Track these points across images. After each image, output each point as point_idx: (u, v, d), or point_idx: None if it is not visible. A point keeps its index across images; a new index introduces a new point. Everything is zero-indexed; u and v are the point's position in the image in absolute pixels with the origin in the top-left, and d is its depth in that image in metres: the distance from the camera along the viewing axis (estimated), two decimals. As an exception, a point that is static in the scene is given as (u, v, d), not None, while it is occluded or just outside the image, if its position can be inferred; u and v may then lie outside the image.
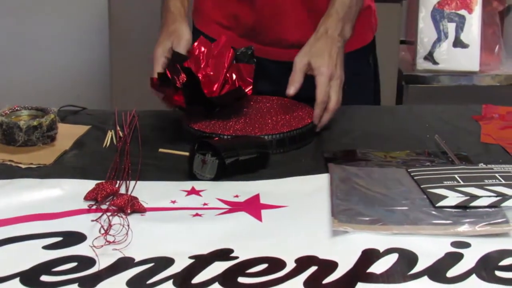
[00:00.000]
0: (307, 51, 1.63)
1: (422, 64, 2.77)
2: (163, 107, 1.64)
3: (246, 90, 1.63)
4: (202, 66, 1.62)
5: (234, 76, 1.64)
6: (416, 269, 1.06)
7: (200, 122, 1.57)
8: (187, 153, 1.39)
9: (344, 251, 1.11)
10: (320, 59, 1.61)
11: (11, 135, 1.48)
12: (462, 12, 2.77)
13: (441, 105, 1.91)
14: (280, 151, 1.51)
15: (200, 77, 1.58)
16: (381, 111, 1.77)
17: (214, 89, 1.61)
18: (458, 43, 2.77)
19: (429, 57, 2.76)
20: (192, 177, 1.37)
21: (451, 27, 2.77)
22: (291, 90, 1.60)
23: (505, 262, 1.09)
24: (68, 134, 1.58)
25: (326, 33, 1.64)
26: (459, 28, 2.77)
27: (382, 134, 1.63)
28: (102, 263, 1.07)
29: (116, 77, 3.01)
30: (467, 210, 1.22)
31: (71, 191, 1.31)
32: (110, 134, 1.59)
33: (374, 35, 1.98)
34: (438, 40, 2.76)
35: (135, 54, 2.87)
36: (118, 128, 1.62)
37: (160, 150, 1.50)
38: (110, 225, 1.15)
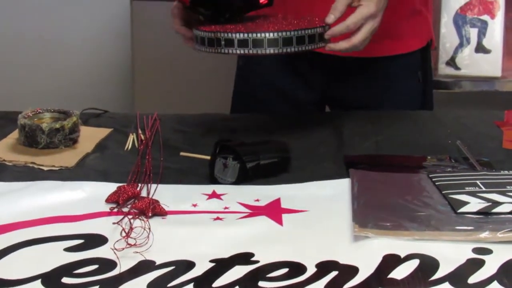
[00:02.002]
0: None
1: (444, 70, 2.76)
2: (186, 110, 1.64)
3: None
4: None
5: None
6: (437, 275, 1.06)
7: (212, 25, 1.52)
8: (208, 157, 1.40)
9: (365, 256, 1.11)
10: None
11: (33, 137, 1.49)
12: (485, 17, 2.76)
13: (463, 110, 1.91)
14: (286, 50, 1.48)
15: None
16: (403, 116, 1.77)
17: None
18: (480, 48, 2.75)
19: (451, 62, 2.75)
20: (213, 180, 1.37)
21: (473, 33, 2.75)
22: (330, 18, 1.50)
23: (527, 269, 1.08)
24: (90, 136, 1.58)
25: None
26: (482, 33, 2.75)
27: (404, 139, 1.63)
28: (123, 265, 1.07)
29: (138, 80, 3.02)
30: (489, 216, 1.21)
31: (93, 193, 1.32)
32: (132, 137, 1.60)
33: (427, 49, 1.92)
34: (460, 45, 2.75)
35: (157, 57, 2.88)
36: (140, 131, 1.62)
37: (182, 153, 1.51)
38: (131, 228, 1.15)
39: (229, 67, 2.07)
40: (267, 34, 1.43)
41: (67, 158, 1.47)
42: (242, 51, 1.45)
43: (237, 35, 1.44)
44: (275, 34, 1.44)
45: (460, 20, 2.76)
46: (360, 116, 1.75)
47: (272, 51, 1.44)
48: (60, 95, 3.46)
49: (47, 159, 1.46)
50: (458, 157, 1.50)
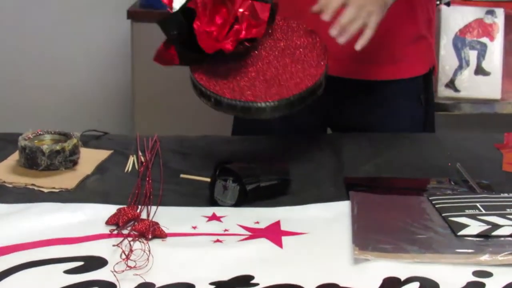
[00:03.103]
0: None
1: (444, 92, 2.76)
2: (186, 132, 1.65)
3: (257, 31, 1.51)
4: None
5: (245, 13, 1.50)
6: (437, 298, 1.06)
7: (204, 74, 1.51)
8: (208, 179, 1.40)
9: (365, 279, 1.10)
10: None
11: (34, 159, 1.49)
12: (484, 39, 2.77)
13: (463, 133, 1.91)
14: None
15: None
16: (403, 138, 1.77)
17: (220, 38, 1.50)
18: (480, 70, 2.76)
19: (451, 84, 2.75)
20: (213, 203, 1.37)
21: (472, 55, 2.76)
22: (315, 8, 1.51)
23: (528, 292, 1.08)
24: (91, 158, 1.58)
25: None
26: (481, 55, 2.76)
27: (404, 161, 1.63)
28: (123, 288, 1.07)
29: (138, 101, 3.03)
30: (489, 239, 1.21)
31: (93, 215, 1.32)
32: (132, 159, 1.60)
33: (429, 73, 1.91)
34: (460, 67, 2.75)
35: (157, 79, 2.88)
36: (140, 153, 1.62)
37: (182, 176, 1.51)
38: (131, 250, 1.15)
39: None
40: (255, 104, 1.44)
41: (67, 180, 1.47)
42: (230, 113, 1.47)
43: (225, 100, 1.45)
44: (263, 104, 1.44)
45: (459, 43, 2.77)
46: (361, 138, 1.75)
47: (260, 117, 1.46)
48: (61, 116, 3.47)
49: (47, 181, 1.46)
50: (458, 179, 1.50)
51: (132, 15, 2.92)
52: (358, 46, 1.51)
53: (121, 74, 3.37)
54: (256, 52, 1.54)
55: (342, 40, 1.49)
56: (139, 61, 2.95)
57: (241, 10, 1.49)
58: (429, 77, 1.90)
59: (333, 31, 1.48)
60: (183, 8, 1.48)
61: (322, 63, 1.51)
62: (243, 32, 1.49)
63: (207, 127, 2.62)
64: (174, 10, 1.50)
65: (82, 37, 3.51)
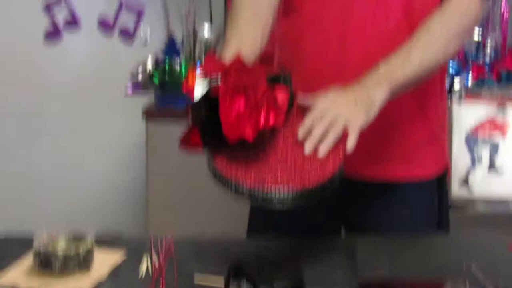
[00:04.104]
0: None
1: (458, 191, 2.76)
2: (199, 229, 1.65)
3: (277, 121, 1.50)
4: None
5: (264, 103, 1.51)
6: None
7: (224, 162, 1.50)
8: (222, 285, 1.39)
9: None
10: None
11: (48, 263, 1.49)
12: (496, 138, 2.78)
13: (478, 232, 1.90)
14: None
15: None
16: (418, 239, 1.76)
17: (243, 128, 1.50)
18: (493, 169, 2.77)
19: (465, 184, 2.76)
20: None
21: (485, 154, 2.77)
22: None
23: None
24: (104, 261, 1.58)
25: (356, 84, 1.59)
26: (494, 154, 2.77)
27: (419, 263, 1.62)
28: None
29: (152, 201, 3.03)
30: None
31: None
32: (145, 262, 1.59)
33: (443, 174, 1.91)
34: (473, 166, 2.76)
35: (171, 179, 2.91)
36: (153, 254, 1.62)
37: (196, 280, 1.50)
38: None
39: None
40: (276, 194, 1.44)
41: (81, 284, 1.47)
42: (250, 202, 1.47)
43: (245, 189, 1.45)
44: (285, 195, 1.44)
45: (471, 141, 2.78)
46: (375, 239, 1.75)
47: (280, 207, 1.44)
48: (75, 216, 3.49)
49: (61, 284, 1.46)
50: (473, 281, 1.49)
51: (147, 115, 2.95)
52: (348, 148, 1.51)
53: (136, 173, 3.39)
54: (275, 140, 1.55)
55: (320, 154, 1.49)
56: (154, 160, 2.97)
57: (261, 98, 1.50)
58: (443, 178, 1.91)
59: (307, 149, 1.49)
60: (206, 95, 1.51)
61: (340, 152, 1.51)
62: (263, 121, 1.50)
63: (223, 227, 2.63)
64: (196, 99, 1.52)
65: (98, 137, 3.56)
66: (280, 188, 1.44)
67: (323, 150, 1.48)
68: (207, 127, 1.49)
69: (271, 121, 1.49)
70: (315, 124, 1.50)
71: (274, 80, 1.54)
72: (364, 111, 1.54)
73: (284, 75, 1.56)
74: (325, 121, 1.50)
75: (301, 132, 1.50)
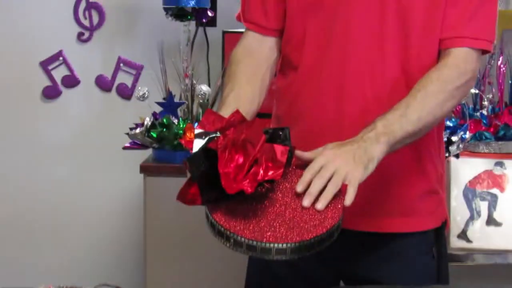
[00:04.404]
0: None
1: (456, 243, 2.76)
2: (197, 284, 1.64)
3: (276, 173, 1.51)
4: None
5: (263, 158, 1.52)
6: None
7: (222, 214, 1.50)
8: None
9: None
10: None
11: (45, 314, 1.49)
12: (494, 191, 2.78)
13: (476, 284, 1.89)
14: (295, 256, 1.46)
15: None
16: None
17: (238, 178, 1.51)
18: (492, 221, 2.76)
19: (463, 235, 2.75)
20: None
21: (483, 206, 2.77)
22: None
23: None
24: (102, 313, 1.57)
25: (353, 138, 1.59)
26: (492, 206, 2.77)
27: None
28: None
29: (150, 255, 3.02)
30: None
31: None
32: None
33: (441, 227, 1.91)
34: (471, 218, 2.76)
35: (169, 232, 2.90)
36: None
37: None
38: None
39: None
40: (275, 245, 1.43)
41: (78, 335, 1.46)
42: (249, 254, 1.46)
43: (245, 240, 1.44)
44: (283, 245, 1.44)
45: (469, 194, 2.78)
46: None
47: (279, 258, 1.44)
48: (72, 269, 3.47)
49: (58, 336, 1.45)
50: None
51: (145, 169, 2.96)
52: (347, 202, 1.50)
53: (133, 227, 3.39)
54: (273, 194, 1.55)
55: (318, 207, 1.48)
56: (151, 214, 2.96)
57: (260, 151, 1.51)
58: (441, 230, 1.90)
59: (306, 202, 1.48)
60: (205, 149, 1.51)
61: (339, 205, 1.51)
62: (262, 174, 1.51)
63: (220, 279, 2.62)
64: (194, 152, 1.53)
65: (95, 191, 3.56)
66: (279, 239, 1.44)
67: (322, 203, 1.48)
68: (205, 179, 1.49)
69: (270, 174, 1.50)
70: (314, 178, 1.50)
71: (273, 134, 1.55)
72: (363, 166, 1.54)
73: (282, 129, 1.57)
74: (324, 175, 1.50)
75: (300, 185, 1.50)
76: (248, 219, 1.49)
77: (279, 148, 1.52)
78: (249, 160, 1.50)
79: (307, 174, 1.51)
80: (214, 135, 1.53)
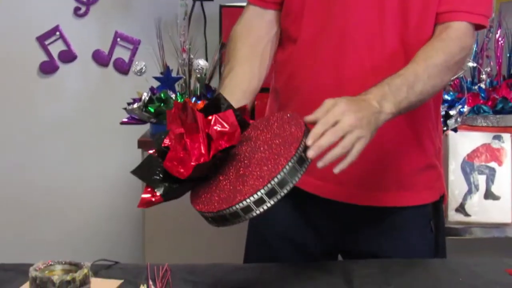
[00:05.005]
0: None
1: (454, 216, 2.76)
2: (196, 260, 1.65)
3: (227, 141, 1.50)
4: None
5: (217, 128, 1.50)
6: None
7: (195, 198, 1.52)
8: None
9: None
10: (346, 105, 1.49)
11: (44, 290, 1.49)
12: (492, 164, 2.79)
13: (475, 257, 1.90)
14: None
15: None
16: (414, 264, 1.76)
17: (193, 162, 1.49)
18: (489, 195, 2.77)
19: (461, 209, 2.76)
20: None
21: (481, 180, 2.78)
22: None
23: None
24: (101, 288, 1.58)
25: (364, 97, 1.55)
26: (490, 180, 2.77)
27: (415, 287, 1.62)
28: None
29: (148, 229, 3.03)
30: None
31: None
32: (142, 288, 1.59)
33: (439, 201, 1.91)
34: (469, 192, 2.77)
35: (167, 207, 2.90)
36: (150, 282, 1.62)
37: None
38: None
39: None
40: (239, 205, 1.40)
41: (78, 310, 1.47)
42: (228, 224, 1.45)
43: (210, 214, 1.45)
44: (244, 202, 1.40)
45: (467, 167, 2.79)
46: (371, 264, 1.75)
47: (251, 214, 1.41)
48: (71, 245, 3.48)
49: (57, 312, 1.46)
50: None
51: (143, 144, 2.96)
52: (336, 170, 1.45)
53: (132, 203, 3.39)
54: (234, 158, 1.54)
55: (319, 164, 1.43)
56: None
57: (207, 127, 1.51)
58: (439, 204, 1.91)
59: (311, 152, 1.41)
60: (160, 149, 1.54)
61: (292, 150, 1.43)
62: (216, 146, 1.50)
63: (218, 252, 2.63)
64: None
65: (93, 167, 3.56)
66: (240, 197, 1.41)
67: (323, 163, 1.43)
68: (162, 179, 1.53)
69: (223, 145, 1.50)
70: (328, 132, 1.43)
71: (210, 106, 1.55)
72: (370, 133, 1.49)
73: (216, 97, 1.57)
74: (337, 133, 1.44)
75: (310, 138, 1.42)
76: (210, 192, 1.50)
77: (225, 115, 1.52)
78: (202, 139, 1.50)
79: (320, 126, 1.44)
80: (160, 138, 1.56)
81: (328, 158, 1.43)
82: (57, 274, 1.53)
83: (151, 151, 1.56)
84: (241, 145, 1.55)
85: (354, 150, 1.46)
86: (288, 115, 1.54)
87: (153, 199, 1.50)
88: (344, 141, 1.44)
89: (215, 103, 1.55)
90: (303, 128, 1.45)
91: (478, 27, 1.77)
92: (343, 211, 1.83)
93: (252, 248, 1.99)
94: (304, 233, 1.90)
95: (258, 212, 1.39)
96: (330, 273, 1.71)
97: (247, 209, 1.39)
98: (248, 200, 1.39)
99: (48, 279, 1.49)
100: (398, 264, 1.77)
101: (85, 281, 1.52)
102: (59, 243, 3.52)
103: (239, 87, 1.74)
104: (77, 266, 1.56)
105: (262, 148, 1.50)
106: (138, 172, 1.55)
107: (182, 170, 1.48)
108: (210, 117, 1.51)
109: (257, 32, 1.85)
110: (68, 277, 1.50)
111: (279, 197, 1.39)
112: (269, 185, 1.38)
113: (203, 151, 1.49)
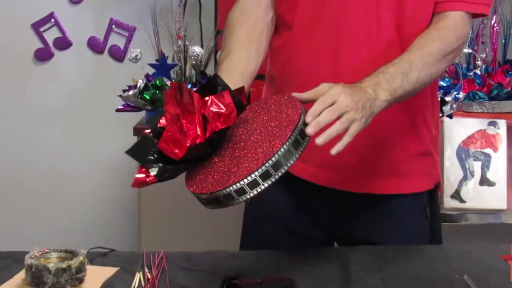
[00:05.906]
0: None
1: (449, 203, 2.77)
2: (194, 247, 1.64)
3: (223, 122, 1.49)
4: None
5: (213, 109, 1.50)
6: None
7: (188, 180, 1.52)
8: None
9: None
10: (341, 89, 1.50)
11: (40, 277, 1.49)
12: (487, 150, 2.79)
13: (470, 243, 1.90)
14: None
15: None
16: (410, 251, 1.76)
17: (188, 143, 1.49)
18: (485, 181, 2.77)
19: (456, 195, 2.76)
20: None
21: (477, 166, 2.78)
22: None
23: None
24: (97, 276, 1.58)
25: (359, 85, 1.56)
26: (485, 166, 2.78)
27: (411, 274, 1.62)
28: None
29: (144, 217, 3.03)
30: None
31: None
32: (138, 276, 1.59)
33: (435, 188, 1.92)
34: (465, 178, 2.77)
35: (163, 194, 2.90)
36: (146, 270, 1.62)
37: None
38: None
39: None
40: (232, 187, 1.40)
41: (73, 298, 1.47)
42: (220, 206, 1.44)
43: (204, 196, 1.44)
44: (238, 184, 1.39)
45: (463, 154, 2.79)
46: (367, 251, 1.75)
47: (245, 197, 1.41)
48: (67, 232, 3.48)
49: (53, 299, 1.46)
50: (466, 292, 1.49)
51: (138, 131, 2.95)
52: (334, 151, 1.45)
53: (127, 191, 3.39)
54: (228, 140, 1.54)
55: (318, 141, 1.43)
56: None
57: (203, 108, 1.50)
58: (434, 190, 1.91)
59: (310, 129, 1.42)
60: (155, 130, 1.52)
61: (287, 131, 1.44)
62: (212, 127, 1.50)
63: (215, 243, 2.62)
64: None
65: (89, 154, 3.56)
66: (235, 179, 1.41)
67: (323, 139, 1.43)
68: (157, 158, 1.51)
69: (218, 126, 1.49)
70: (325, 110, 1.45)
71: (205, 87, 1.54)
72: (365, 118, 1.50)
73: (211, 79, 1.55)
74: (335, 112, 1.45)
75: (309, 115, 1.43)
76: (204, 174, 1.49)
77: (221, 96, 1.51)
78: (198, 120, 1.49)
79: (318, 105, 1.45)
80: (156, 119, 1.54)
81: (327, 134, 1.44)
82: (52, 262, 1.54)
83: (147, 131, 1.55)
84: (237, 127, 1.55)
85: (351, 130, 1.47)
86: (286, 97, 1.54)
87: (147, 180, 1.49)
88: (341, 119, 1.46)
89: (211, 84, 1.55)
90: (300, 110, 1.45)
91: (479, 15, 1.78)
92: (340, 198, 1.83)
93: (248, 235, 1.99)
94: (301, 220, 1.90)
95: (251, 194, 1.39)
96: (326, 260, 1.71)
97: (241, 191, 1.39)
98: (242, 182, 1.39)
99: (44, 267, 1.49)
100: (394, 251, 1.77)
101: (81, 268, 1.53)
102: (54, 230, 3.52)
103: (237, 69, 1.73)
104: (72, 254, 1.57)
105: (258, 131, 1.50)
106: (133, 151, 1.54)
107: (176, 151, 1.47)
108: (206, 98, 1.51)
109: (253, 16, 1.84)
110: (64, 265, 1.50)
111: (273, 179, 1.39)
112: (263, 167, 1.38)
113: (199, 132, 1.48)
